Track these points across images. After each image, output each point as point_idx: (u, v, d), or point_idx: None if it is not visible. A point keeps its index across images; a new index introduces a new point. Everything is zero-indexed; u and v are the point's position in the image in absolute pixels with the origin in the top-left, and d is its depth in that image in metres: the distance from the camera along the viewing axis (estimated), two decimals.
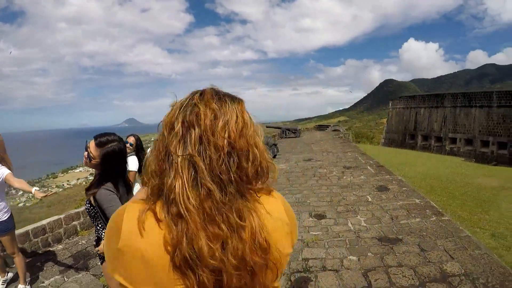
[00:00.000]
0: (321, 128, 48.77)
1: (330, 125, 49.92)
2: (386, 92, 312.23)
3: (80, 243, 6.58)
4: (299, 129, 34.49)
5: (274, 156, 17.22)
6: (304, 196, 8.88)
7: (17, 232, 5.43)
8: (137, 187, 5.27)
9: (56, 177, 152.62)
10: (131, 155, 5.54)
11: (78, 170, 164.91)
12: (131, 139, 5.82)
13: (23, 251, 5.38)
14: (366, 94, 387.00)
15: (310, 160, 15.69)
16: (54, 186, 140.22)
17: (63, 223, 6.77)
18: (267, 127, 37.26)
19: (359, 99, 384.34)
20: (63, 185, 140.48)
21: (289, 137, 31.74)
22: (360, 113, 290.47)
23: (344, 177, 10.96)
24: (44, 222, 6.44)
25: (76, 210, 7.21)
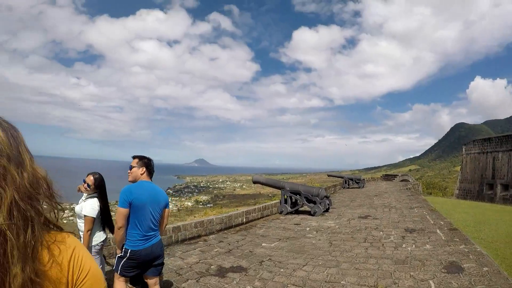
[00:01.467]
0: (388, 177, 45.27)
1: (398, 175, 45.84)
2: (457, 137, 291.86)
3: None
4: (363, 179, 31.94)
5: (326, 210, 15.26)
6: (340, 273, 6.58)
7: None
8: (98, 236, 5.13)
9: None
10: (89, 197, 5.07)
11: None
12: (89, 179, 5.13)
13: None
14: (437, 141, 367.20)
15: (366, 217, 13.42)
16: None
17: None
18: (328, 175, 34.96)
19: (430, 145, 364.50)
20: None
21: (352, 188, 29.28)
22: (431, 161, 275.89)
23: (404, 245, 8.47)
24: None
25: None
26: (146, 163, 4.53)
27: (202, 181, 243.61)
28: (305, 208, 15.25)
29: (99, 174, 5.23)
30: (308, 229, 11.35)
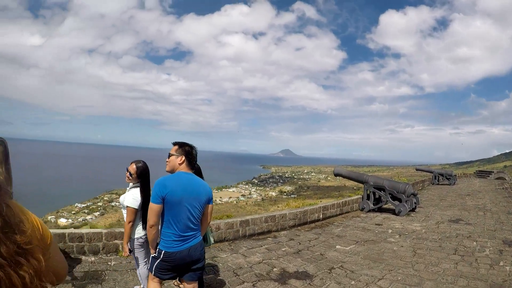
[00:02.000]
0: (482, 174, 40.88)
1: (493, 171, 41.27)
2: None
3: (110, 263, 6.49)
4: (454, 175, 28.75)
5: (412, 210, 13.65)
6: None
7: (56, 231, 6.72)
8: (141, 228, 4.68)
9: None
10: (133, 187, 4.72)
11: (231, 190, 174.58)
12: (132, 167, 4.71)
13: None
14: None
15: (458, 221, 11.72)
16: None
17: (103, 238, 7.00)
18: (416, 169, 32.38)
19: None
20: (216, 200, 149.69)
21: (441, 184, 26.73)
22: None
23: (501, 263, 6.86)
24: (83, 231, 6.91)
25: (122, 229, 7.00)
26: (187, 151, 3.89)
27: (287, 172, 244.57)
28: (389, 206, 13.97)
29: (143, 162, 4.79)
30: (390, 231, 10.16)
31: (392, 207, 13.67)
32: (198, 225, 3.82)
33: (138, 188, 4.66)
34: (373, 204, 13.89)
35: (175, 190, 3.60)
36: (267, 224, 9.64)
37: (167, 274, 3.77)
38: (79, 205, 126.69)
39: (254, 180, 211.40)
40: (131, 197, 4.59)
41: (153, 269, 3.75)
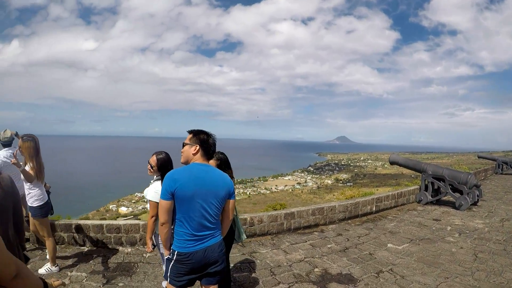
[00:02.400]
0: None
1: None
2: None
3: (145, 255, 6.54)
4: None
5: (475, 203, 12.41)
6: None
7: (94, 222, 7.02)
8: None
9: (266, 181, 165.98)
10: (156, 180, 4.45)
11: (287, 178, 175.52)
12: (153, 159, 4.51)
13: (92, 240, 6.87)
14: None
15: None
16: (263, 188, 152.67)
17: (141, 230, 7.09)
18: (479, 157, 29.81)
19: None
20: (271, 188, 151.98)
21: (506, 174, 24.43)
22: None
23: None
24: (121, 222, 7.10)
25: None
26: (202, 139, 3.42)
27: (343, 159, 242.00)
28: (449, 198, 12.95)
29: (165, 153, 4.49)
30: (449, 228, 9.15)
31: (452, 199, 12.65)
32: (217, 223, 3.39)
33: (160, 181, 4.32)
34: (431, 196, 12.88)
35: (186, 184, 3.19)
36: (314, 217, 9.18)
37: (183, 280, 3.35)
38: (138, 194, 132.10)
39: (309, 168, 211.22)
40: (153, 190, 4.30)
41: (168, 273, 3.38)
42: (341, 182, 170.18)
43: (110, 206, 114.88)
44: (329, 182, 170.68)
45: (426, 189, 13.04)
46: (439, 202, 12.99)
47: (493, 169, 25.05)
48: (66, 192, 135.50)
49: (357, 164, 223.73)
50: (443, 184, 12.67)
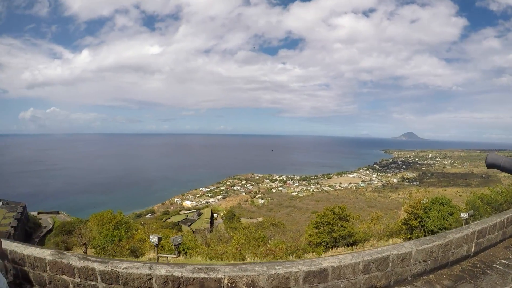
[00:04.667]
0: None
1: None
2: None
3: None
4: None
5: None
6: None
7: None
8: None
9: (330, 178, 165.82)
10: None
11: (351, 176, 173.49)
12: None
13: None
14: None
15: None
16: (327, 185, 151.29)
17: None
18: None
19: None
20: (335, 186, 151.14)
21: None
22: None
23: None
24: None
25: None
26: None
27: (410, 157, 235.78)
28: None
29: None
30: None
31: None
32: None
33: None
34: None
35: None
36: (368, 276, 5.84)
37: None
38: (203, 189, 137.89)
39: (375, 165, 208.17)
40: None
41: None
42: (407, 180, 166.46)
43: (175, 200, 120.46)
44: (395, 180, 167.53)
45: None
46: None
47: None
48: (136, 185, 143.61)
49: (425, 162, 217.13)
50: None
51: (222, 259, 17.92)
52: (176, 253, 7.47)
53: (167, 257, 8.36)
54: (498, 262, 6.79)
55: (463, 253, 6.90)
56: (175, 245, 8.49)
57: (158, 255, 8.18)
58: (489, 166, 10.01)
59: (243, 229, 28.63)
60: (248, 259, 18.02)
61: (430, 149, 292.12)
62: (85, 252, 19.01)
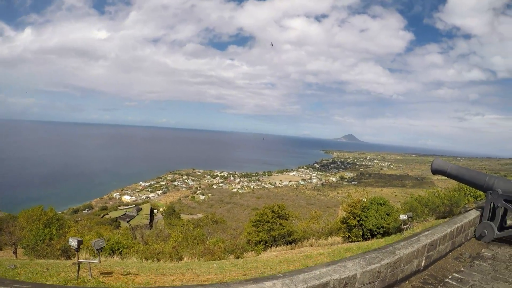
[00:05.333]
0: None
1: None
2: None
3: None
4: None
5: None
6: None
7: None
8: None
9: (271, 175, 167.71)
10: None
11: (292, 174, 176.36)
12: None
13: None
14: None
15: None
16: (268, 183, 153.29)
17: None
18: None
19: None
20: (276, 183, 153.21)
21: None
22: None
23: None
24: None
25: None
26: None
27: (349, 158, 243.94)
28: None
29: None
30: None
31: None
32: None
33: None
34: (499, 229, 8.31)
35: None
36: None
37: None
38: (143, 183, 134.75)
39: (315, 164, 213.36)
40: None
41: None
42: (346, 180, 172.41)
43: (114, 194, 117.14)
44: (334, 179, 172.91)
45: (492, 218, 8.46)
46: (508, 240, 8.38)
47: None
48: (74, 178, 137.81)
49: (363, 163, 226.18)
50: None
51: (158, 259, 17.47)
52: (98, 258, 7.01)
53: (89, 262, 7.86)
54: (450, 277, 6.32)
55: (413, 268, 6.26)
56: (97, 250, 7.86)
57: (79, 260, 7.68)
58: (435, 172, 10.43)
59: (182, 226, 28.33)
60: (185, 259, 17.65)
61: (369, 151, 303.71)
62: (15, 252, 17.72)
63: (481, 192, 22.82)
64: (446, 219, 19.09)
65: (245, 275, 11.38)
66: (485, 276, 6.04)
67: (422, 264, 6.50)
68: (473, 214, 8.83)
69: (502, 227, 8.30)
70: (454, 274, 6.38)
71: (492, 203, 8.31)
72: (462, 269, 6.61)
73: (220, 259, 18.20)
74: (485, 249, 7.71)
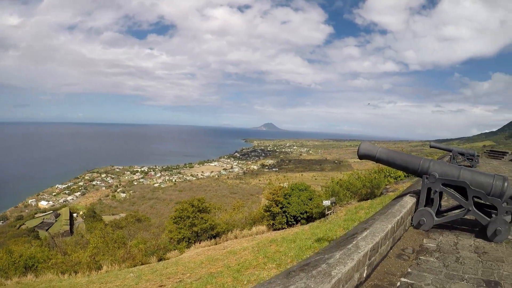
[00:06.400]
0: (494, 155, 33.91)
1: (507, 152, 33.27)
2: None
3: None
4: (477, 155, 23.08)
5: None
6: None
7: None
8: None
9: (192, 167, 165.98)
10: None
11: (213, 164, 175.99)
12: None
13: None
14: None
15: None
16: (189, 175, 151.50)
17: None
18: (431, 146, 27.78)
19: (509, 121, 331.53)
20: (198, 175, 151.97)
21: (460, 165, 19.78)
22: (509, 137, 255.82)
23: None
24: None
25: None
26: None
27: (269, 145, 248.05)
28: (470, 216, 7.44)
29: None
30: None
31: (470, 217, 7.61)
32: None
33: None
34: (437, 214, 7.56)
35: None
36: None
37: None
38: (60, 186, 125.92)
39: (236, 154, 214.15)
40: None
41: None
42: (267, 167, 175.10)
43: (30, 201, 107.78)
44: (255, 167, 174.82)
45: (430, 204, 7.78)
46: (451, 225, 7.76)
47: (448, 161, 21.62)
48: None
49: (283, 150, 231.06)
50: (461, 198, 7.37)
51: (76, 272, 16.03)
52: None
53: None
54: (398, 284, 4.81)
55: (354, 283, 4.49)
56: None
57: None
58: (362, 156, 9.02)
59: (100, 230, 26.33)
60: (104, 268, 16.47)
61: (288, 138, 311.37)
62: None
63: (400, 173, 23.98)
64: (368, 201, 19.36)
65: (161, 286, 10.48)
66: (438, 276, 5.14)
67: (364, 274, 4.95)
68: (409, 201, 7.73)
69: (439, 212, 7.60)
70: (403, 279, 5.05)
71: (428, 188, 7.59)
72: (409, 270, 5.33)
73: (142, 263, 17.47)
74: (427, 239, 6.88)
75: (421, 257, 5.75)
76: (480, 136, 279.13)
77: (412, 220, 7.57)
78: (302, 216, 21.81)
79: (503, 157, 31.99)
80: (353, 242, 4.93)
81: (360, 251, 4.64)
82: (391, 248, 6.08)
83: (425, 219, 7.36)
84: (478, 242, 6.57)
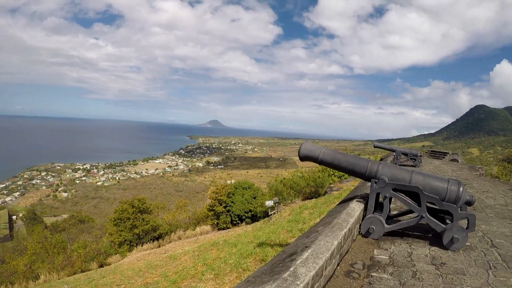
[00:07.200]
0: (436, 155, 34.91)
1: (448, 152, 35.26)
2: (476, 119, 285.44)
3: None
4: (420, 155, 23.57)
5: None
6: None
7: None
8: None
9: (136, 164, 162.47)
10: None
11: (158, 161, 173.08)
12: None
13: None
14: (454, 120, 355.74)
15: None
16: (134, 172, 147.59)
17: None
18: (375, 146, 27.41)
19: (446, 124, 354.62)
20: (142, 172, 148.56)
21: (403, 165, 20.65)
22: (446, 139, 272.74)
23: None
24: None
25: None
26: None
27: (214, 143, 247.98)
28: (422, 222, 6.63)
29: None
30: None
31: (423, 223, 6.71)
32: None
33: None
34: (387, 221, 6.87)
35: None
36: None
37: None
38: None
39: (181, 151, 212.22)
40: None
41: None
42: (212, 164, 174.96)
43: None
44: (200, 165, 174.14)
45: (379, 210, 7.09)
46: (402, 233, 6.91)
47: (391, 161, 22.03)
48: None
49: (228, 147, 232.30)
50: (413, 204, 6.69)
51: (12, 283, 14.83)
52: None
53: None
54: None
55: None
56: None
57: None
58: (304, 158, 7.78)
59: (37, 234, 24.95)
60: (42, 277, 15.47)
61: (234, 136, 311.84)
62: None
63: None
64: (312, 200, 19.24)
65: None
66: None
67: None
68: (357, 208, 6.91)
69: (389, 217, 6.90)
70: None
71: (377, 193, 6.88)
72: None
73: (82, 271, 16.62)
74: (377, 249, 5.93)
75: (373, 274, 4.93)
76: (419, 137, 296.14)
77: (360, 228, 6.83)
78: (246, 215, 21.76)
79: (444, 157, 33.18)
80: (291, 269, 3.75)
81: (298, 283, 3.46)
82: (337, 265, 5.24)
83: (374, 227, 6.63)
84: (434, 251, 5.94)
